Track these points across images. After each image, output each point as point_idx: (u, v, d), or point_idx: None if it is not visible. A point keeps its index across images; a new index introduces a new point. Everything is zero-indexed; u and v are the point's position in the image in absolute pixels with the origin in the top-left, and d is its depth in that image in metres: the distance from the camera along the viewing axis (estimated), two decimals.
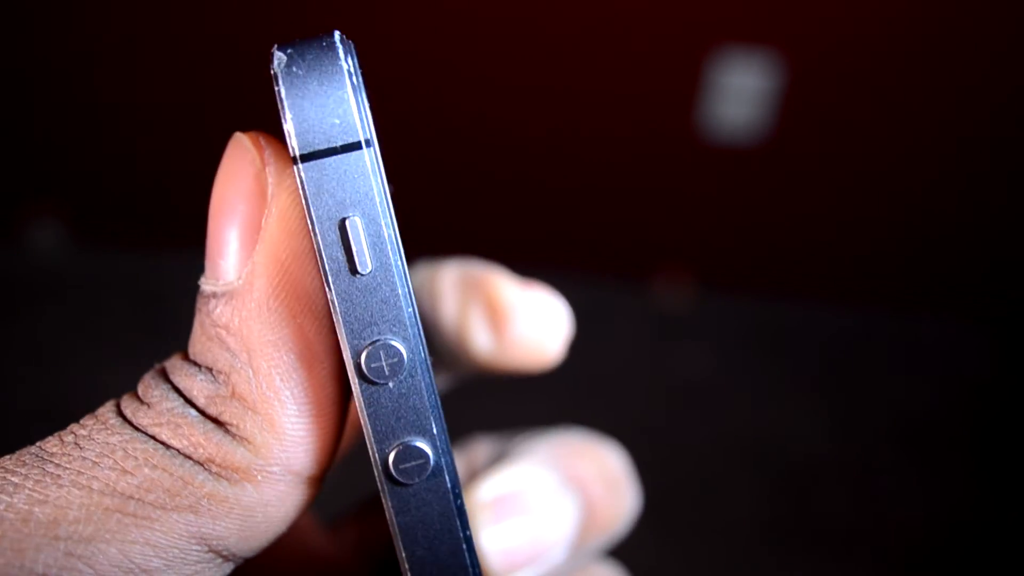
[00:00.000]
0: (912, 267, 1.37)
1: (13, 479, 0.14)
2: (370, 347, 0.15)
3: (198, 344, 0.16)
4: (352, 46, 0.15)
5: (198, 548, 0.15)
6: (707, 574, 1.06)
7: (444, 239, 1.27)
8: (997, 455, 1.23)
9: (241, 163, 0.16)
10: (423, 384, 0.15)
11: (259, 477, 0.15)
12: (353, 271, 0.15)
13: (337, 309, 0.15)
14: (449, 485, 0.15)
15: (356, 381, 0.15)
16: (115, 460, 0.15)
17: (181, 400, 0.15)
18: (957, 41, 1.19)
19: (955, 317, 1.39)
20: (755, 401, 1.26)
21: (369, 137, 0.15)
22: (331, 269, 0.15)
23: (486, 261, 0.22)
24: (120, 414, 0.16)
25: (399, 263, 0.15)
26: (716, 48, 1.21)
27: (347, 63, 0.15)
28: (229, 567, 0.16)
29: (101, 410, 0.16)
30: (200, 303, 0.16)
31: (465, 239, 1.33)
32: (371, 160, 0.15)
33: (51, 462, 0.15)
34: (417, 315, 0.15)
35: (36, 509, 0.14)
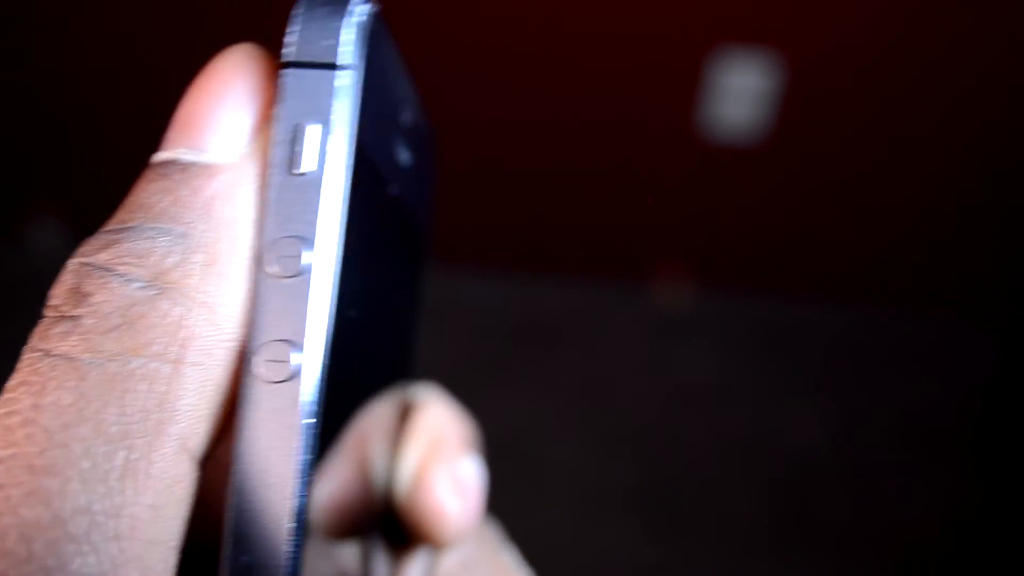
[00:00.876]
0: (913, 267, 1.37)
1: None
2: (285, 240, 0.15)
3: (154, 209, 0.15)
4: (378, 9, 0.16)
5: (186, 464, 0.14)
6: (707, 574, 1.06)
7: (444, 239, 1.27)
8: (998, 455, 1.23)
9: (246, 60, 0.16)
10: (322, 288, 0.15)
11: (222, 355, 0.14)
12: (291, 169, 0.15)
13: (265, 200, 0.15)
14: (304, 398, 0.15)
15: (259, 271, 0.15)
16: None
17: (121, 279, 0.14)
18: (958, 41, 1.19)
19: (956, 317, 1.39)
20: (755, 401, 1.26)
21: (354, 63, 0.15)
22: (272, 162, 0.15)
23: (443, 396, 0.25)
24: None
25: (342, 174, 0.15)
26: (716, 48, 1.21)
27: (358, 7, 0.16)
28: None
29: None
30: (169, 170, 0.15)
31: (465, 239, 1.33)
32: (351, 82, 0.15)
33: None
34: (345, 226, 0.15)
35: None
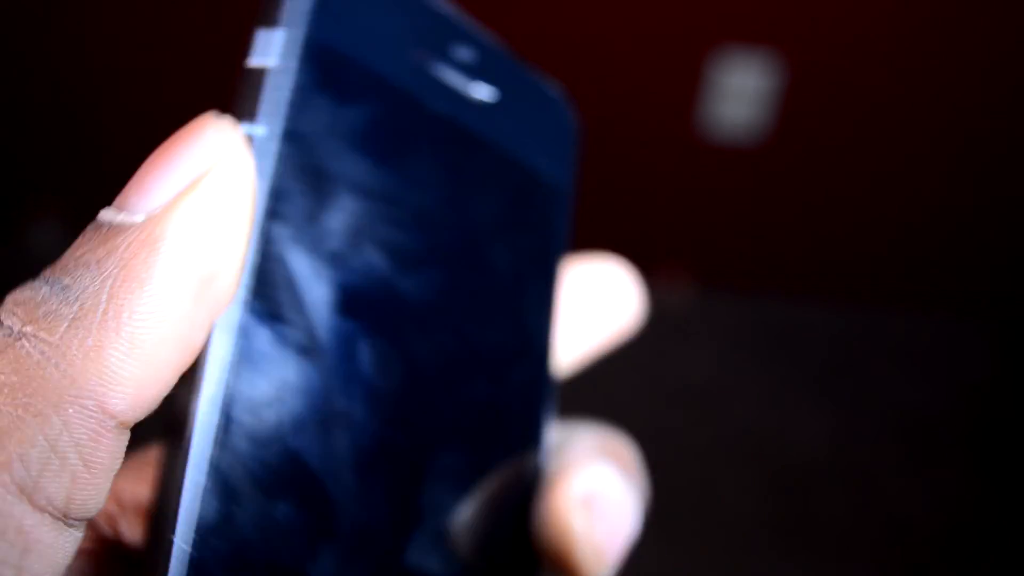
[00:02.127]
0: (912, 267, 1.37)
1: None
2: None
3: (61, 262, 0.15)
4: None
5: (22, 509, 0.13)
6: (707, 574, 1.06)
7: None
8: (997, 455, 1.23)
9: (210, 139, 0.16)
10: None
11: (70, 410, 0.14)
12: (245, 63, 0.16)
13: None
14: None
15: None
16: None
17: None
18: (958, 40, 1.19)
19: (955, 316, 1.39)
20: (755, 401, 1.26)
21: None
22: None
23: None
24: None
25: (290, 65, 0.16)
26: (716, 48, 1.21)
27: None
28: (74, 532, 0.14)
29: None
30: (90, 228, 0.16)
31: None
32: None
33: None
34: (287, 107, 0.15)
35: None
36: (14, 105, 1.28)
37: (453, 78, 0.18)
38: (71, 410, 0.14)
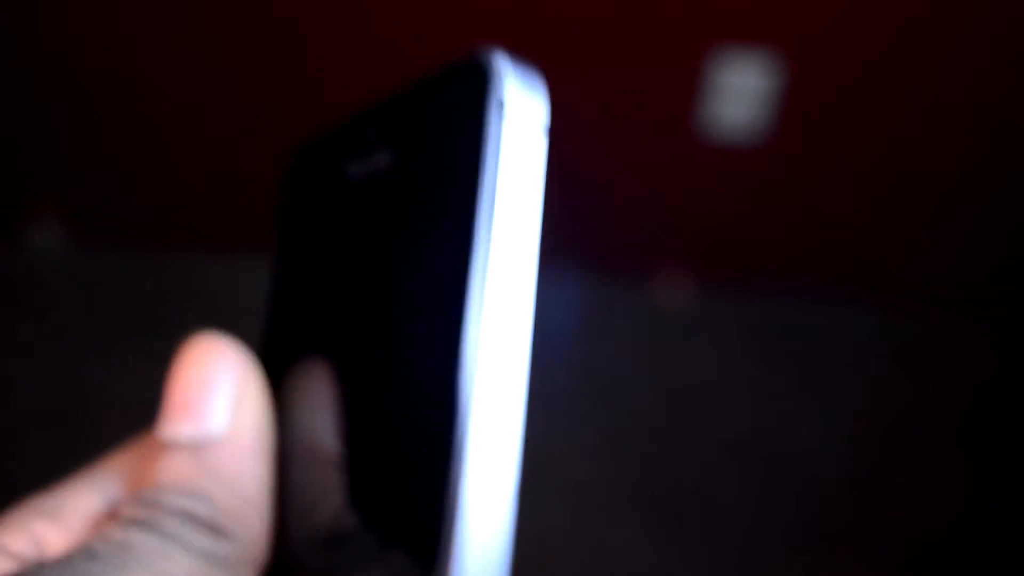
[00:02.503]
0: (914, 266, 1.37)
1: None
2: None
3: (188, 479, 0.19)
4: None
5: None
6: (707, 574, 1.06)
7: None
8: (999, 455, 1.23)
9: (217, 347, 0.20)
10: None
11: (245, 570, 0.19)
12: None
13: None
14: None
15: None
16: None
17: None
18: (958, 40, 1.19)
19: (957, 317, 1.39)
20: (755, 401, 1.26)
21: None
22: None
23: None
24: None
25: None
26: (716, 48, 1.21)
27: None
28: None
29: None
30: (181, 447, 0.19)
31: None
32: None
33: None
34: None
35: None
36: (14, 105, 1.28)
37: (363, 163, 0.21)
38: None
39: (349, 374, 0.19)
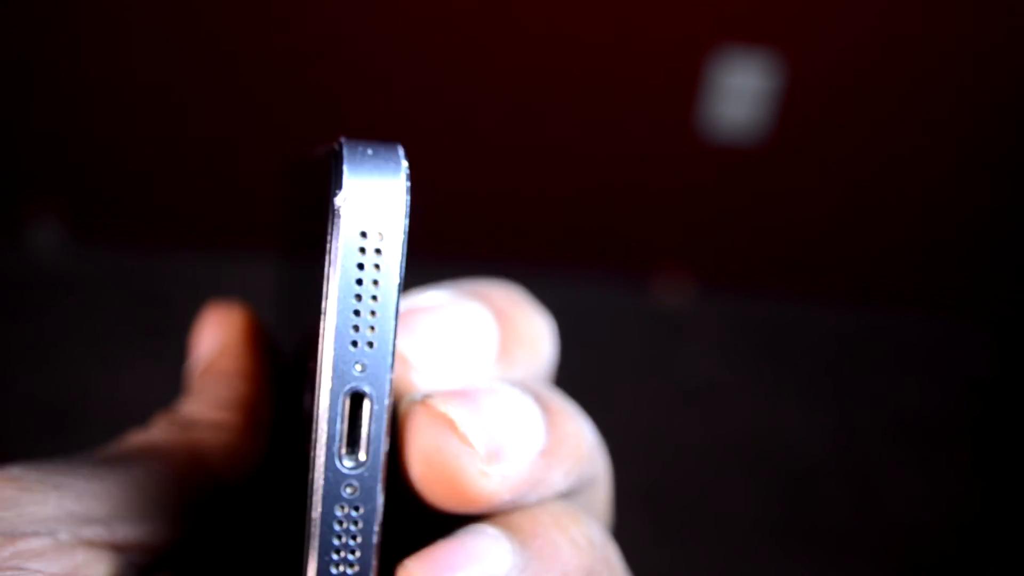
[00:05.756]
0: (912, 267, 1.37)
1: None
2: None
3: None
4: None
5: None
6: (707, 574, 1.06)
7: (444, 238, 1.27)
8: (998, 455, 1.23)
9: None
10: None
11: None
12: None
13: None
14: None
15: None
16: None
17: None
18: (957, 41, 1.19)
19: (956, 317, 1.39)
20: (755, 401, 1.26)
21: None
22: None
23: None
24: None
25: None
26: (716, 48, 1.21)
27: None
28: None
29: None
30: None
31: (465, 238, 1.33)
32: None
33: None
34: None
35: None
36: (14, 105, 1.28)
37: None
38: None
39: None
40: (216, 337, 0.22)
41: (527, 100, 1.25)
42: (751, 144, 1.27)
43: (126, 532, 0.18)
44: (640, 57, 1.22)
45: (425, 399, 0.17)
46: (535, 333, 0.19)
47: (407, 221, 0.16)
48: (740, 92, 1.22)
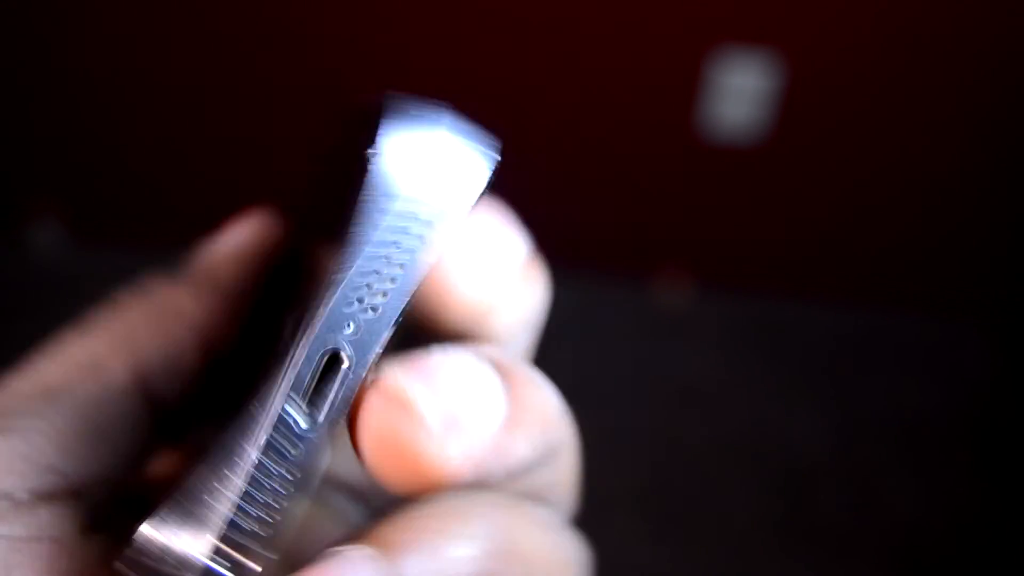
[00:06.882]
0: (912, 267, 1.37)
1: None
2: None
3: None
4: None
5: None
6: (706, 574, 1.06)
7: None
8: (998, 455, 1.23)
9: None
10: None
11: None
12: None
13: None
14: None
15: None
16: None
17: None
18: (957, 41, 1.19)
19: (955, 317, 1.39)
20: (755, 401, 1.26)
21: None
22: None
23: None
24: None
25: None
26: (716, 48, 1.21)
27: None
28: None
29: None
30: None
31: None
32: None
33: None
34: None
35: None
36: (14, 105, 1.28)
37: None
38: None
39: None
40: (230, 247, 0.22)
41: (527, 100, 1.25)
42: (751, 144, 1.27)
43: (80, 472, 0.16)
44: (640, 57, 1.22)
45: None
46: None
47: (470, 219, 0.17)
48: (740, 92, 1.22)
